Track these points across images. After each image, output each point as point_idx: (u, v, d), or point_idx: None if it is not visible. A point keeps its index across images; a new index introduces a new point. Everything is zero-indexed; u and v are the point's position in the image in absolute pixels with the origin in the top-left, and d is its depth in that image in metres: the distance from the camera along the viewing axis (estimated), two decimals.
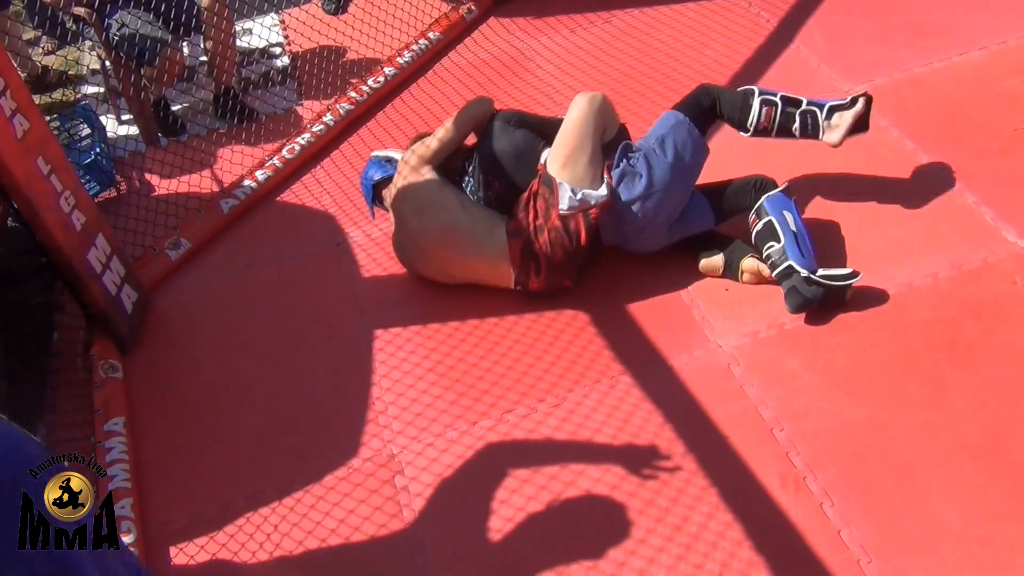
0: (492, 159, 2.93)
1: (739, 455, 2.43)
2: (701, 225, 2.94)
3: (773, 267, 2.75)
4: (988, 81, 3.45)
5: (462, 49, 4.31)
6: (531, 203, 2.79)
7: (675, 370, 2.68)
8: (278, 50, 4.55)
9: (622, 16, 4.27)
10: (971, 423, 2.40)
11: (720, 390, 2.60)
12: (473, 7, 4.47)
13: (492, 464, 2.54)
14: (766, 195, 2.82)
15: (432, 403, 2.74)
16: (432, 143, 3.01)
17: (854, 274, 2.69)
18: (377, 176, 3.13)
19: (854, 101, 2.86)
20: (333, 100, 3.99)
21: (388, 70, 4.11)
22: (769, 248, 2.76)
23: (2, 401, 2.80)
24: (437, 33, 4.31)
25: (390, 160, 3.16)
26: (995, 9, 3.79)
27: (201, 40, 4.13)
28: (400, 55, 4.19)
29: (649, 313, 2.87)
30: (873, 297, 2.76)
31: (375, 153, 3.25)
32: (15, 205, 2.71)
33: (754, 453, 2.43)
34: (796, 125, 2.87)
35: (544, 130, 2.96)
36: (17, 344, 3.04)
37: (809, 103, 2.87)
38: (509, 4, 4.52)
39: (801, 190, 3.09)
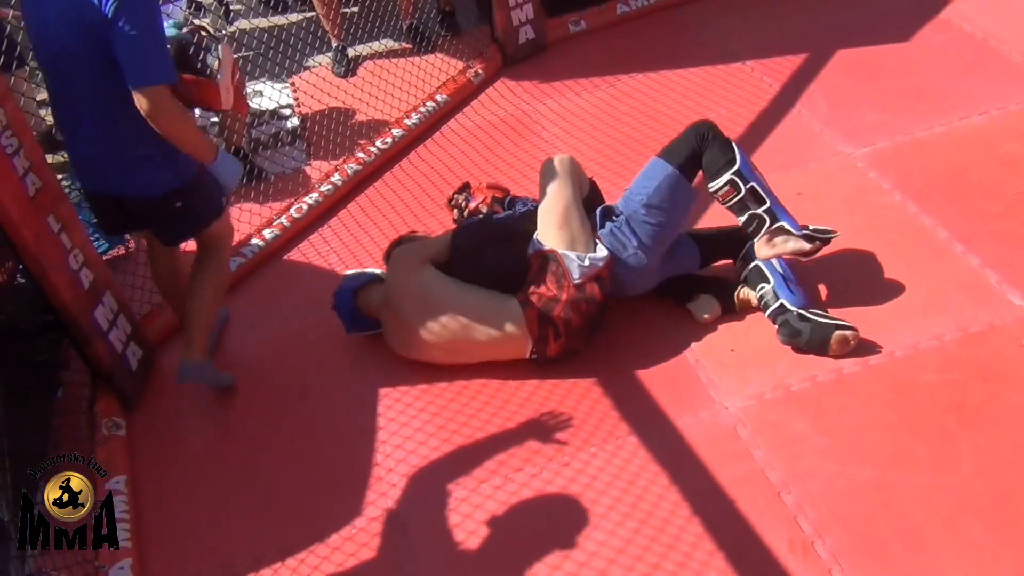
0: (473, 258, 2.97)
1: (746, 518, 2.40)
2: (687, 267, 3.04)
3: (766, 307, 2.86)
4: (989, 145, 3.49)
5: (469, 111, 4.38)
6: (542, 276, 2.80)
7: (681, 431, 2.67)
8: (288, 111, 4.62)
9: (626, 80, 4.35)
10: (980, 486, 2.37)
11: (726, 452, 2.58)
12: (480, 70, 4.55)
13: (497, 525, 2.52)
14: (752, 240, 2.90)
15: (437, 463, 2.72)
16: (429, 245, 3.03)
17: (846, 325, 2.76)
18: (354, 284, 3.10)
19: (809, 238, 2.83)
20: (341, 160, 4.05)
21: (396, 131, 4.17)
22: (761, 289, 2.88)
23: (4, 458, 2.77)
24: (444, 95, 4.38)
25: (362, 273, 3.18)
26: (994, 75, 3.86)
27: None
28: (408, 117, 4.25)
29: (655, 374, 2.86)
30: (879, 359, 2.76)
31: (347, 273, 3.25)
32: (24, 263, 2.73)
33: (761, 516, 2.40)
34: (743, 219, 2.88)
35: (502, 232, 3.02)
36: (21, 401, 3.03)
37: (771, 208, 2.85)
38: (515, 68, 4.61)
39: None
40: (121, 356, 3.02)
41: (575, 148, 3.92)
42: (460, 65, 4.64)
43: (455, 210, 3.53)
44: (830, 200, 3.39)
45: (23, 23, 2.75)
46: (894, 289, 2.98)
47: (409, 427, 2.85)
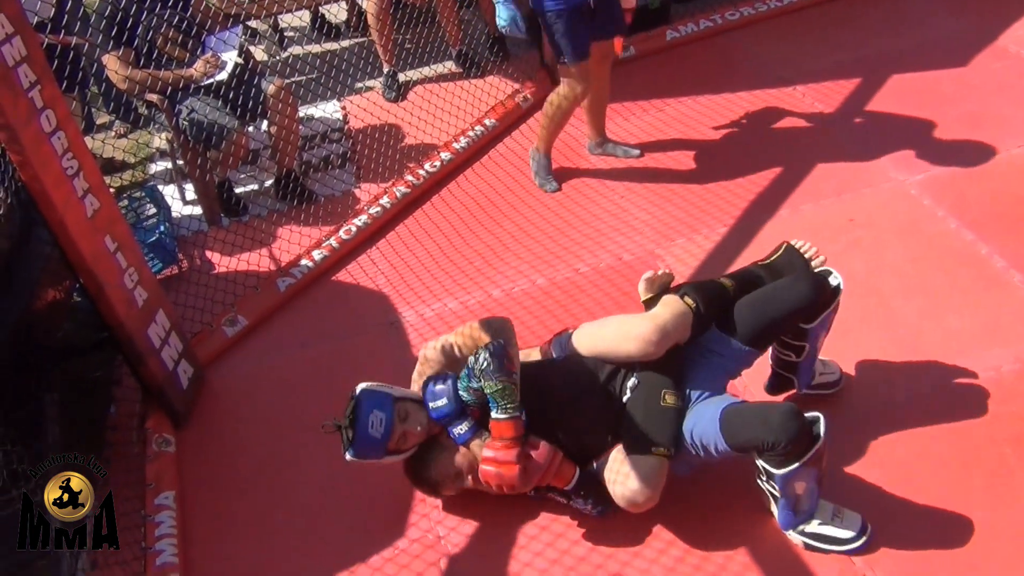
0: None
1: (796, 552, 2.35)
2: None
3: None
4: None
5: (517, 135, 4.40)
6: None
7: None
8: (338, 135, 4.69)
9: (675, 105, 4.34)
10: None
11: None
12: (529, 95, 4.58)
13: (539, 546, 2.49)
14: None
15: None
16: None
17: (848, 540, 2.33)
18: (396, 393, 2.50)
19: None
20: (390, 183, 4.09)
21: (444, 155, 4.20)
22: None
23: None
24: (493, 120, 4.41)
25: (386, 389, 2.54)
26: None
27: (265, 125, 4.28)
28: (456, 141, 4.29)
29: None
30: (935, 389, 2.69)
31: (365, 386, 2.51)
32: (81, 281, 2.80)
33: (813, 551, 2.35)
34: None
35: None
36: (76, 416, 3.09)
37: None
38: None
39: (858, 279, 3.06)
40: (172, 374, 3.07)
41: (623, 172, 3.92)
42: (509, 89, 4.67)
43: None
44: (883, 228, 3.34)
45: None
46: (950, 318, 2.91)
47: None
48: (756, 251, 3.31)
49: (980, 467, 2.45)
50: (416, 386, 2.56)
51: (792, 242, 2.58)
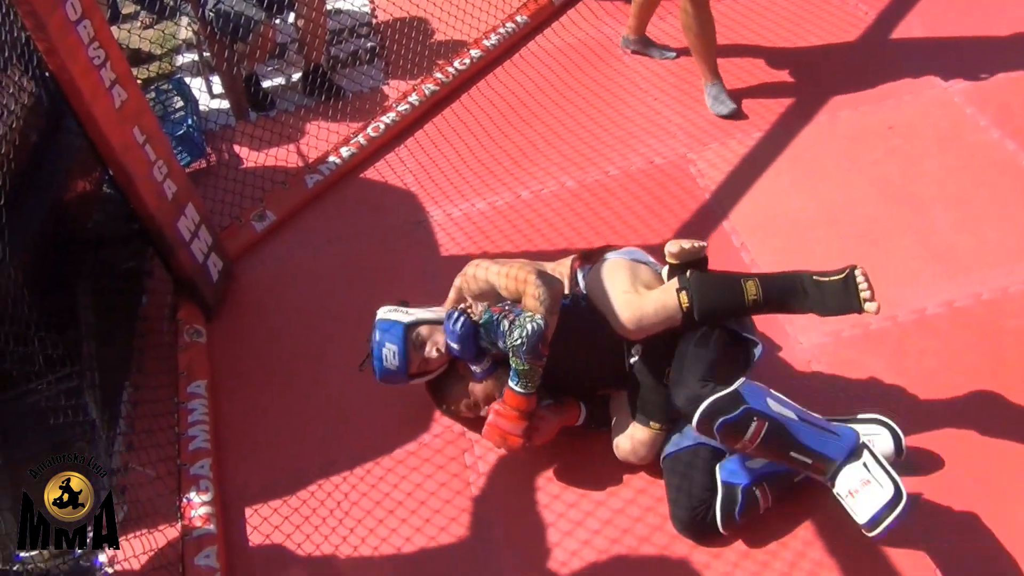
0: None
1: None
2: None
3: None
4: None
5: (549, 33, 4.29)
6: None
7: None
8: (367, 29, 4.59)
9: (714, 5, 4.19)
10: None
11: (797, 388, 2.54)
12: None
13: (563, 445, 2.54)
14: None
15: None
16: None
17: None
18: (407, 320, 2.49)
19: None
20: (419, 81, 4.02)
21: (474, 52, 4.12)
22: None
23: (93, 360, 2.89)
24: (524, 17, 4.30)
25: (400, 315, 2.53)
26: None
27: (292, 17, 4.20)
28: (487, 38, 4.19)
29: None
30: (966, 301, 2.67)
31: (382, 313, 2.54)
32: (111, 172, 2.80)
33: None
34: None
35: None
36: (108, 306, 3.15)
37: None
38: None
39: (894, 188, 3.01)
40: (203, 267, 3.10)
41: (656, 74, 3.83)
42: None
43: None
44: (923, 136, 3.25)
45: None
46: (986, 229, 2.86)
47: None
48: (791, 160, 3.26)
49: (1007, 381, 2.44)
50: (456, 288, 2.53)
51: (857, 272, 2.20)
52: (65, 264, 3.02)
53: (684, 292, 2.21)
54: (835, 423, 2.13)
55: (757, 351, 2.27)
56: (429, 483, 2.55)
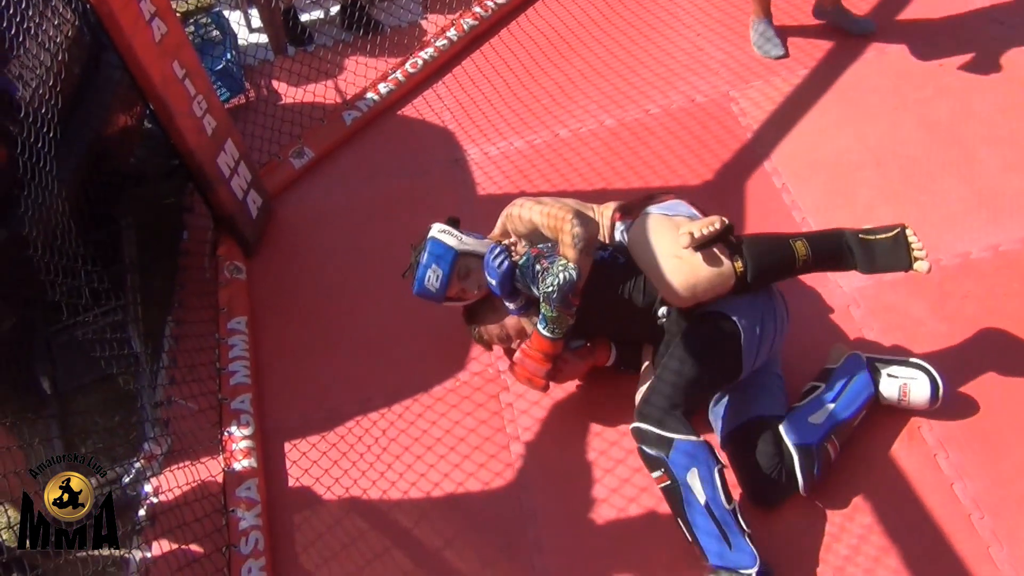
0: None
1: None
2: None
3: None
4: None
5: None
6: None
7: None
8: None
9: None
10: None
11: (836, 332, 2.53)
12: None
13: (597, 384, 2.55)
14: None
15: None
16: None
17: None
18: (459, 247, 2.47)
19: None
20: (457, 15, 3.96)
21: None
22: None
23: (136, 293, 2.95)
24: None
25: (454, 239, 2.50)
26: None
27: None
28: None
29: None
30: (1011, 245, 2.61)
31: (436, 232, 2.50)
32: (151, 107, 2.81)
33: None
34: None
35: None
36: (150, 241, 3.19)
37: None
38: None
39: (942, 128, 2.93)
40: (242, 203, 3.12)
41: (698, 9, 3.72)
42: None
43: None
44: (973, 75, 3.14)
45: None
46: None
47: None
48: (837, 98, 3.18)
49: None
50: (500, 224, 2.54)
51: (908, 231, 2.19)
52: (108, 199, 3.06)
53: (738, 257, 2.18)
54: (746, 541, 2.07)
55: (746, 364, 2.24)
56: (468, 420, 2.59)
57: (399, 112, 3.67)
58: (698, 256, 2.19)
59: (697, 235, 2.17)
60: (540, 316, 2.25)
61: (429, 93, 3.72)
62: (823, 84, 3.27)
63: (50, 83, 2.65)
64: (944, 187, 2.81)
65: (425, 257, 2.43)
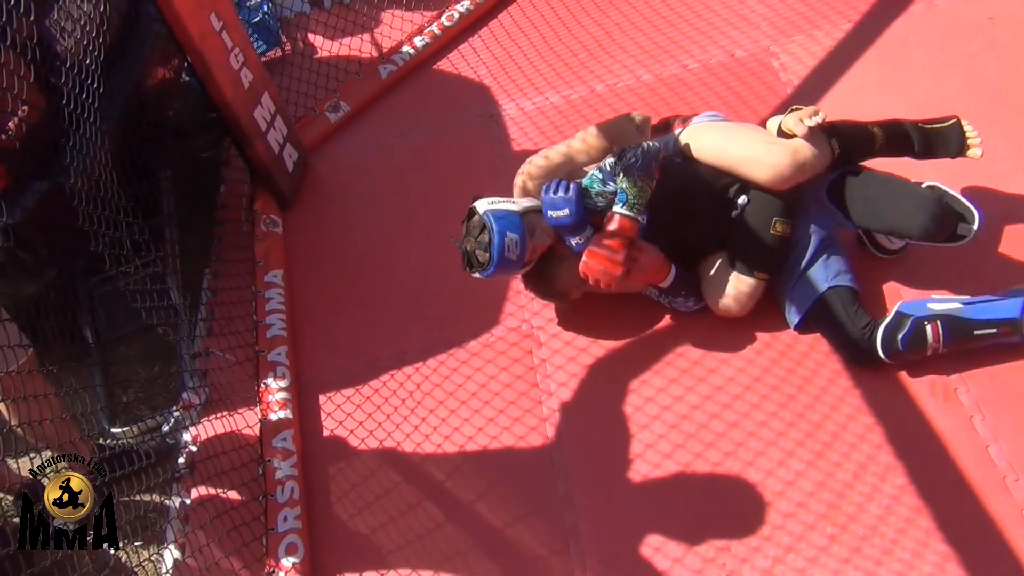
0: None
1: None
2: None
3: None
4: None
5: None
6: None
7: None
8: None
9: None
10: None
11: (871, 291, 2.50)
12: None
13: (631, 342, 2.55)
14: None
15: None
16: None
17: None
18: (519, 208, 2.40)
19: None
20: None
21: None
22: None
23: (175, 246, 2.98)
24: None
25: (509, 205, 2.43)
26: None
27: None
28: None
29: None
30: None
31: (485, 206, 2.40)
32: (189, 60, 2.82)
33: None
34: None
35: None
36: (187, 194, 3.22)
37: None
38: None
39: (989, 84, 2.86)
40: (278, 157, 3.13)
41: None
42: None
43: None
44: None
45: None
46: None
47: None
48: (881, 53, 3.10)
49: None
50: (519, 187, 2.53)
51: (963, 121, 2.42)
52: (148, 151, 3.08)
53: (833, 140, 2.32)
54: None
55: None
56: (503, 375, 2.60)
57: (435, 66, 3.64)
58: (797, 139, 2.31)
59: (811, 123, 2.27)
60: (619, 196, 2.29)
61: (465, 47, 3.68)
62: (867, 37, 3.19)
63: (92, 33, 2.67)
64: (991, 147, 2.73)
65: (496, 228, 2.32)
